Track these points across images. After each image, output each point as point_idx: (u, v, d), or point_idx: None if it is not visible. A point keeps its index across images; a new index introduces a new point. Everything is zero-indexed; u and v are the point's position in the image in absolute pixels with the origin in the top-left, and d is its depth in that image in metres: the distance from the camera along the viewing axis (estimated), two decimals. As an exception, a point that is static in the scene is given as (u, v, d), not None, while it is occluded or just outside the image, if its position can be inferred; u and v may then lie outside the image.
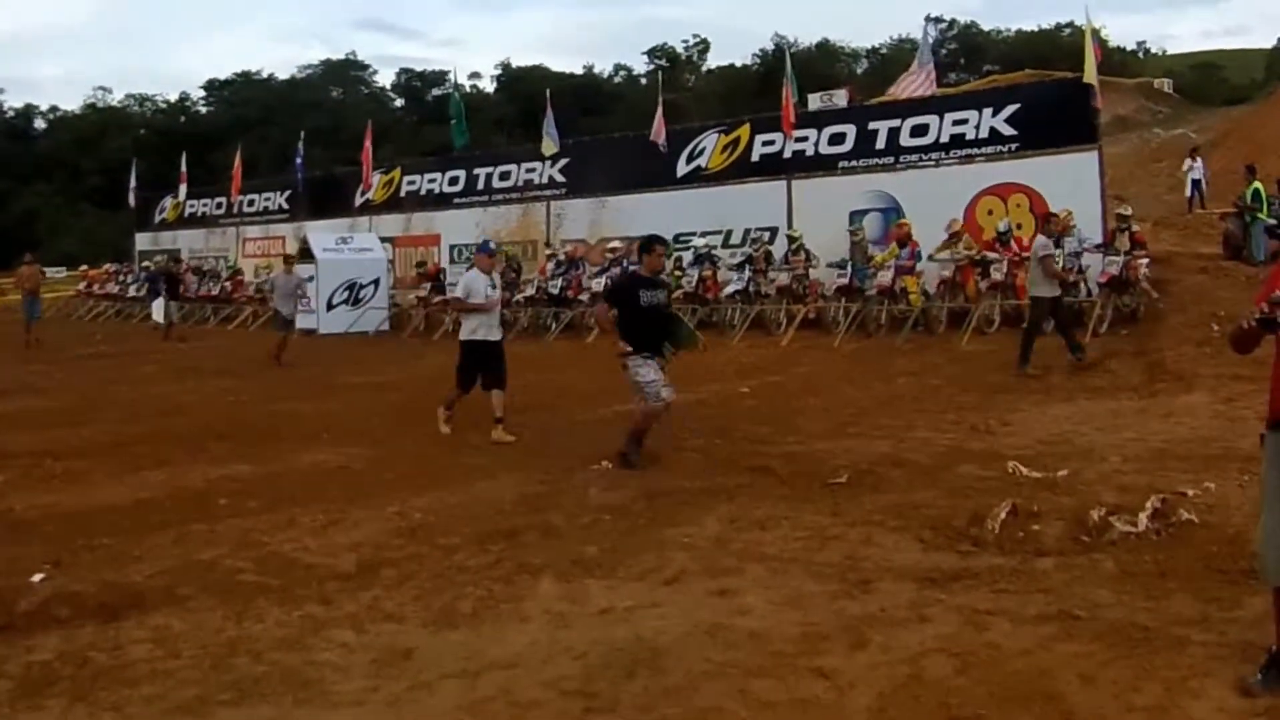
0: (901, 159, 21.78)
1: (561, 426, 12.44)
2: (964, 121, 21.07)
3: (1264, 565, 4.66)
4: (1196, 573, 6.00)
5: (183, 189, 40.21)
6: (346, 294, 27.89)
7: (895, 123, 22.07)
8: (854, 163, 22.49)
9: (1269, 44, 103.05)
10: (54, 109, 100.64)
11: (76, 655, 5.48)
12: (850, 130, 22.80)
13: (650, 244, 10.47)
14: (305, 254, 28.52)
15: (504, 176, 29.74)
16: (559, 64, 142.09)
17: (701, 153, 25.00)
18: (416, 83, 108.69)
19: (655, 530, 7.51)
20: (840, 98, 44.44)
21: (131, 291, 37.49)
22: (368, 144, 32.34)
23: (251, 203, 38.27)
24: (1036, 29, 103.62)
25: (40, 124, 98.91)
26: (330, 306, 27.58)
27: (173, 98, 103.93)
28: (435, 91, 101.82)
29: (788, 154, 23.35)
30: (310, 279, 25.55)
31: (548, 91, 31.28)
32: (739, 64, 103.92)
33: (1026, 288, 14.95)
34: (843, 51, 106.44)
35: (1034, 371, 14.11)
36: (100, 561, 7.17)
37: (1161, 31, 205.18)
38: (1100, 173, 19.22)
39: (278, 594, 6.39)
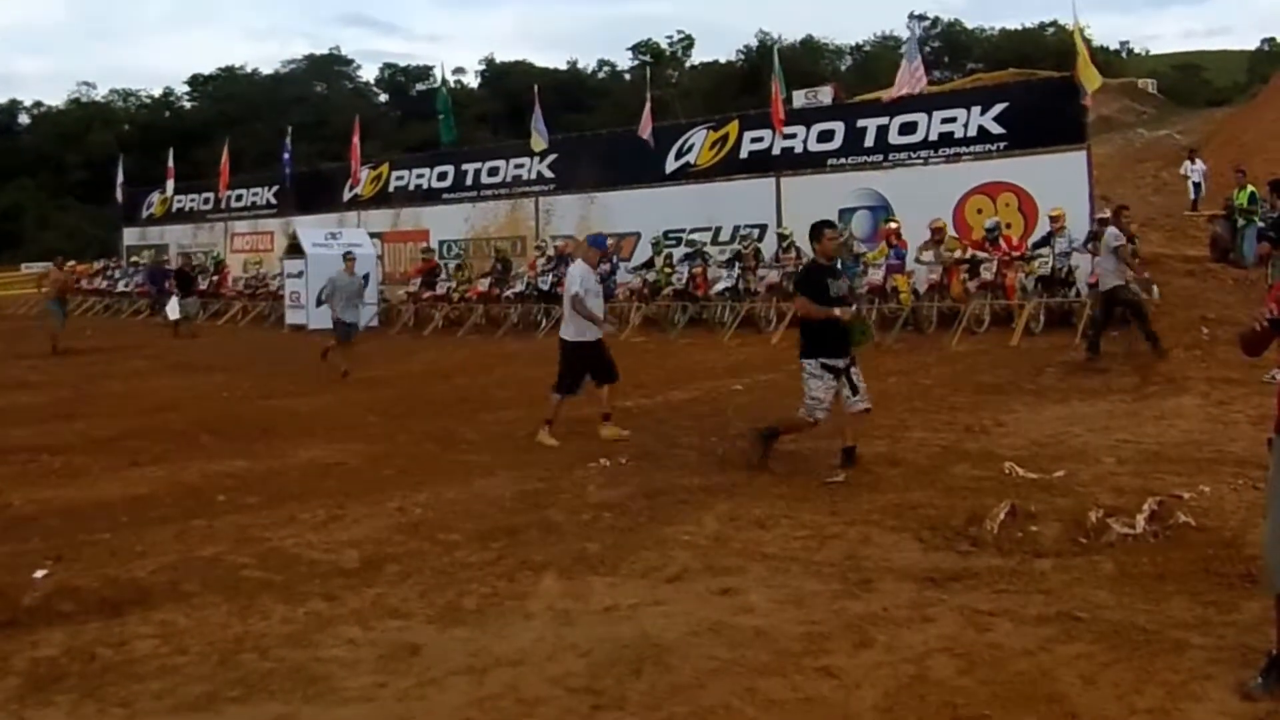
0: (890, 157, 21.86)
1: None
2: (953, 120, 21.15)
3: (1268, 571, 4.69)
4: (1194, 575, 6.04)
5: (170, 184, 40.09)
6: (336, 289, 27.68)
7: (884, 120, 22.15)
8: (842, 160, 22.57)
9: (1251, 45, 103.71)
10: (38, 104, 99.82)
11: (83, 651, 5.49)
12: (839, 127, 22.87)
13: (820, 229, 9.49)
14: (294, 249, 28.47)
15: (493, 172, 29.72)
16: (543, 59, 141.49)
17: (690, 149, 25.04)
18: (400, 78, 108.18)
19: (655, 528, 7.55)
20: (826, 94, 44.49)
21: (120, 287, 37.37)
22: (355, 139, 32.26)
23: (239, 198, 38.17)
24: (1020, 27, 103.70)
25: (24, 119, 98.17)
26: (320, 302, 27.40)
27: (157, 93, 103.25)
28: (419, 86, 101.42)
29: (776, 151, 23.42)
30: (366, 276, 23.89)
31: (535, 88, 31.26)
32: (723, 60, 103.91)
33: (1098, 281, 14.81)
34: (827, 48, 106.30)
35: (1101, 364, 14.11)
36: (102, 557, 7.18)
37: (1144, 31, 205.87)
38: (1088, 172, 19.34)
39: (281, 590, 6.41)
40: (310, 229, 30.07)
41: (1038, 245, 18.39)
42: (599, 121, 62.16)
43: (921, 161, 21.43)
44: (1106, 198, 21.47)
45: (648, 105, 25.46)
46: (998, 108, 20.66)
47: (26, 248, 73.29)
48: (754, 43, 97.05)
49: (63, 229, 76.08)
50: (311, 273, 27.14)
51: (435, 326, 24.98)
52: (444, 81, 43.03)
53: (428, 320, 25.39)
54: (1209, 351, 13.95)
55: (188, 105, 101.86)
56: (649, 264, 23.32)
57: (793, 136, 23.24)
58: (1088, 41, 26.99)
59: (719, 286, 21.50)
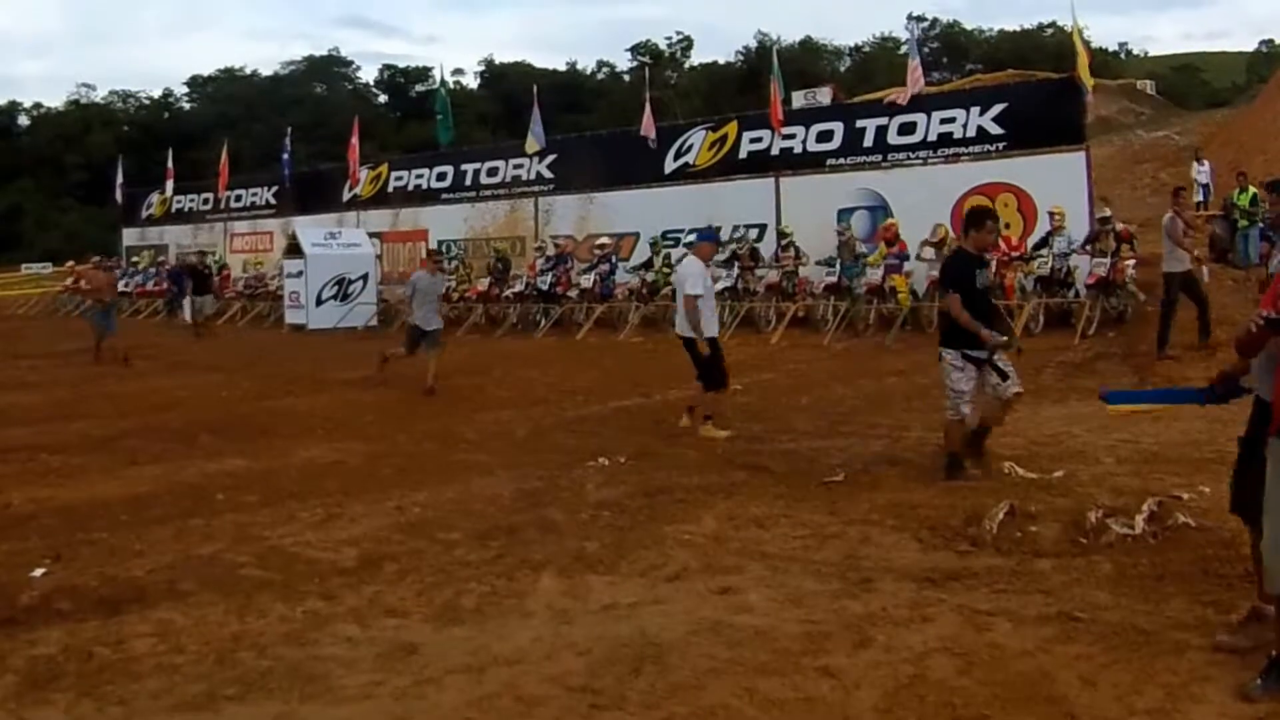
0: (889, 157, 21.88)
1: (555, 422, 12.45)
2: (951, 120, 21.19)
3: (1269, 573, 4.67)
4: (1193, 576, 6.02)
5: (169, 185, 40.09)
6: (335, 289, 27.80)
7: (883, 121, 22.19)
8: (841, 160, 22.59)
9: (1249, 47, 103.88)
10: (37, 106, 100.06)
11: (80, 650, 5.47)
12: (838, 128, 22.89)
13: (981, 217, 8.95)
14: (294, 249, 28.48)
15: (492, 172, 29.75)
16: (542, 61, 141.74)
17: (689, 149, 25.07)
18: (399, 79, 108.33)
19: (654, 527, 7.53)
20: (824, 95, 44.55)
21: (120, 287, 37.32)
22: (355, 140, 32.28)
23: (239, 198, 38.19)
24: (1019, 29, 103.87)
25: (24, 120, 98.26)
26: (319, 301, 27.51)
27: (156, 94, 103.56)
28: (418, 88, 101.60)
29: (775, 151, 23.45)
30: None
31: (534, 89, 31.24)
32: (722, 61, 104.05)
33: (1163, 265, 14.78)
34: (825, 49, 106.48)
35: (1173, 353, 14.02)
36: (100, 555, 7.15)
37: (1142, 33, 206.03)
38: (1087, 173, 19.35)
39: (279, 589, 6.39)
40: (309, 229, 30.11)
41: (1037, 246, 18.41)
42: (598, 122, 62.31)
43: (920, 162, 21.47)
44: (1105, 198, 21.48)
45: (649, 105, 25.48)
46: (997, 108, 20.71)
47: (26, 249, 73.45)
48: (753, 44, 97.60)
49: (62, 230, 76.25)
50: (311, 273, 27.26)
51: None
52: (443, 82, 43.13)
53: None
54: (1206, 352, 13.93)
55: (187, 106, 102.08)
56: (648, 264, 23.33)
57: (791, 137, 23.27)
58: (1087, 43, 26.95)
59: (717, 287, 21.43)
